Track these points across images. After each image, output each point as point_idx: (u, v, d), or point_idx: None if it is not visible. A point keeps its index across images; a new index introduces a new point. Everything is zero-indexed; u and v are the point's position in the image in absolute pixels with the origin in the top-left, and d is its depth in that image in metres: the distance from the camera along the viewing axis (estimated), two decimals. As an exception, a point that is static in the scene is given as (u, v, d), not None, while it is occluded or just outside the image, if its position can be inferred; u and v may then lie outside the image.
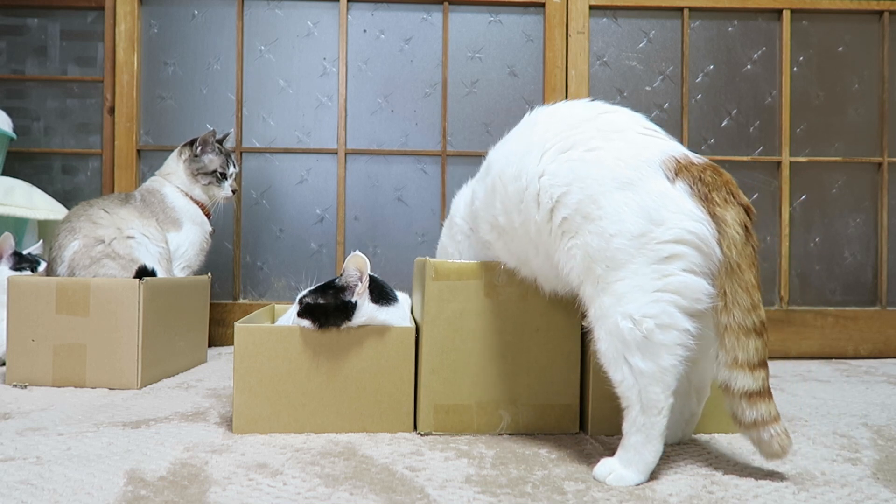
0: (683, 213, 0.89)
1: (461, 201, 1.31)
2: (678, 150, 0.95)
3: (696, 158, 0.95)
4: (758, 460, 1.02)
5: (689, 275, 0.89)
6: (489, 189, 1.10)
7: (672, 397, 0.91)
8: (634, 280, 0.90)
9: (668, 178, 0.91)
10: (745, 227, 0.91)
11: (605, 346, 0.93)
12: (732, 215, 0.90)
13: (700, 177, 0.91)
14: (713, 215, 0.89)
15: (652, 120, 1.02)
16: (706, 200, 0.90)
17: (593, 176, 0.94)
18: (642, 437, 0.92)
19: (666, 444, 0.95)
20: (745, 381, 0.90)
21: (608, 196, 0.92)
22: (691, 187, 0.90)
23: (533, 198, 0.99)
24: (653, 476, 0.93)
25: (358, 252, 1.14)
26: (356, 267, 1.12)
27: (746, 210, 0.92)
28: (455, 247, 1.29)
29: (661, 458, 0.94)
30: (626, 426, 0.93)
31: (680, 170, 0.91)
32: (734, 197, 0.92)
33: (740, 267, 0.89)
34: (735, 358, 0.90)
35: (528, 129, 1.07)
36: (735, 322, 0.89)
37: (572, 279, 0.97)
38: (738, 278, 0.89)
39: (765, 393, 0.91)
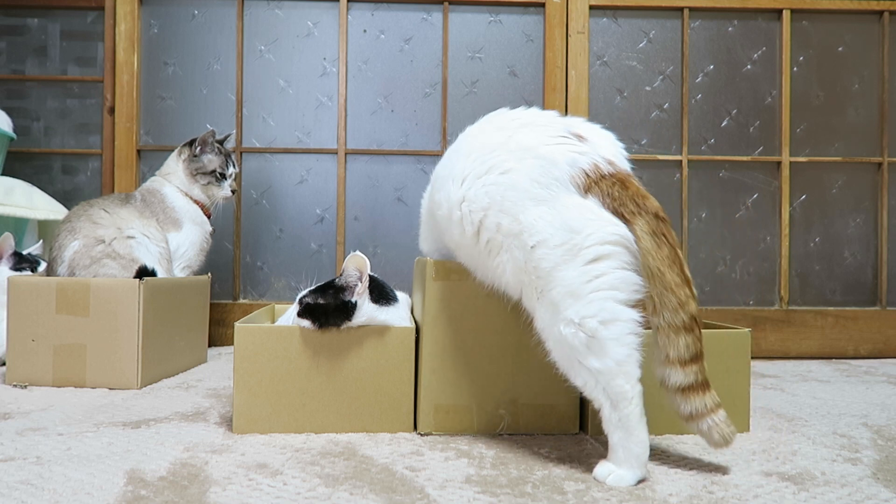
0: (603, 220, 0.93)
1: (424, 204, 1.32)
2: (586, 159, 0.97)
3: (605, 168, 0.97)
4: (758, 460, 1.03)
5: (622, 271, 0.92)
6: (428, 210, 1.18)
7: (639, 384, 0.93)
8: (565, 286, 0.92)
9: (579, 194, 0.95)
10: (655, 233, 0.94)
11: (557, 356, 0.96)
12: (641, 226, 0.93)
13: (609, 192, 0.95)
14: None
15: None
16: (616, 215, 0.94)
17: (509, 197, 0.98)
18: (623, 433, 0.93)
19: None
20: (677, 376, 0.93)
21: (525, 213, 0.96)
22: (601, 202, 0.95)
23: (458, 223, 1.04)
24: (653, 476, 0.93)
25: (357, 252, 1.14)
26: (356, 267, 1.12)
27: (656, 215, 0.95)
28: (428, 247, 1.29)
29: (661, 458, 0.94)
30: (604, 427, 0.95)
31: (589, 186, 0.95)
32: (640, 207, 0.95)
33: (660, 270, 0.92)
34: (667, 355, 0.93)
35: (453, 153, 1.11)
36: (665, 322, 0.92)
37: (511, 293, 1.01)
38: (660, 281, 0.92)
39: (698, 386, 0.93)
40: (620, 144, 1.05)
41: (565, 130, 1.01)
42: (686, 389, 0.93)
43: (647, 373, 1.17)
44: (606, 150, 1.00)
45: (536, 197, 0.96)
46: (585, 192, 0.95)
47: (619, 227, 0.93)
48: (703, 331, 1.19)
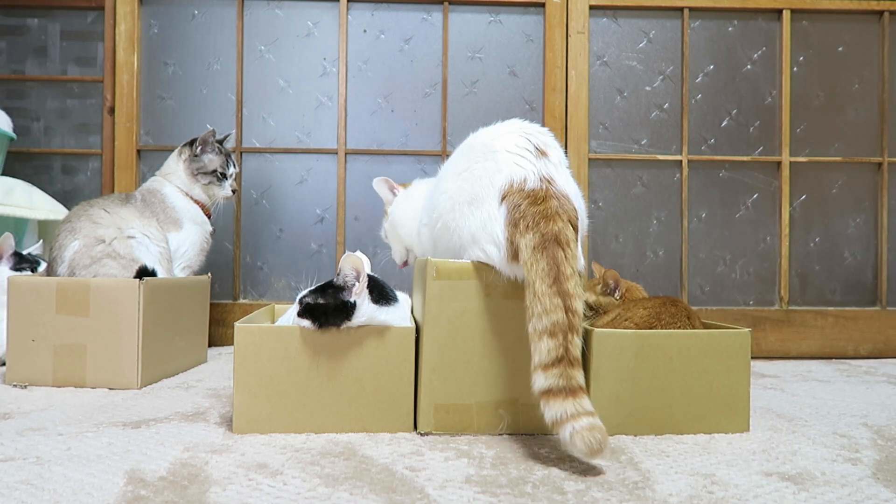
0: (492, 234, 1.08)
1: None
2: (520, 174, 1.09)
3: (531, 183, 1.08)
4: (758, 460, 1.03)
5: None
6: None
7: None
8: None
9: (498, 202, 1.09)
10: (537, 248, 1.03)
11: None
12: (527, 240, 1.04)
13: (518, 205, 1.06)
14: (512, 241, 1.06)
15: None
16: (514, 226, 1.06)
17: (454, 193, 1.17)
18: None
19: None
20: (539, 381, 0.96)
21: (459, 208, 1.15)
22: (508, 213, 1.07)
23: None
24: (653, 476, 0.93)
25: (357, 252, 1.14)
26: (352, 266, 1.12)
27: (550, 235, 1.03)
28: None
29: (661, 458, 0.94)
30: None
31: (506, 196, 1.08)
32: (536, 225, 1.04)
33: (532, 281, 1.01)
34: (534, 362, 0.97)
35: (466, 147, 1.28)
36: (532, 328, 0.99)
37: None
38: (531, 290, 1.01)
39: (560, 391, 0.94)
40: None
41: (531, 145, 1.13)
42: (547, 393, 0.94)
43: (647, 372, 1.17)
44: (552, 169, 1.11)
45: (471, 197, 1.13)
46: (501, 201, 1.08)
47: (492, 247, 1.09)
48: (702, 331, 1.20)
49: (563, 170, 1.14)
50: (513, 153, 1.11)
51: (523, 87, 2.20)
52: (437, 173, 1.39)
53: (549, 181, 1.08)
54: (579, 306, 1.00)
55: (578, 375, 0.96)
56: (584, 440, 0.90)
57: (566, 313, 0.98)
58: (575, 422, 0.92)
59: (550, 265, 1.01)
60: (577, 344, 0.98)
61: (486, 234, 1.09)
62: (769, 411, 1.36)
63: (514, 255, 1.06)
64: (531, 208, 1.05)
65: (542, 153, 1.11)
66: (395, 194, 1.61)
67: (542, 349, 0.96)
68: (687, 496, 0.87)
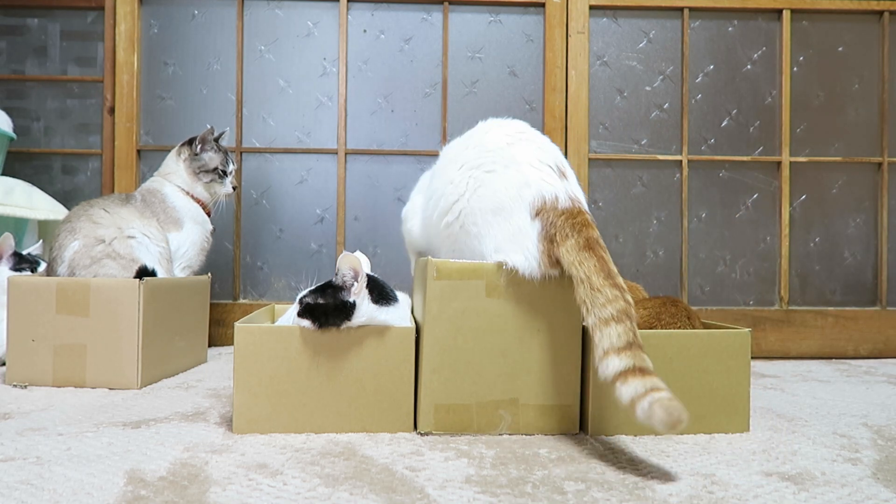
0: (521, 246, 1.12)
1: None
2: (551, 192, 1.13)
3: (562, 202, 1.12)
4: (758, 460, 1.03)
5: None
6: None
7: None
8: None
9: (530, 217, 1.13)
10: (583, 248, 1.08)
11: None
12: (570, 244, 1.08)
13: (553, 222, 1.11)
14: (550, 254, 1.10)
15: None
16: (550, 241, 1.10)
17: (469, 194, 1.20)
18: None
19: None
20: (613, 364, 0.97)
21: (483, 215, 1.18)
22: (543, 228, 1.11)
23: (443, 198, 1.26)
24: (653, 475, 0.93)
25: (354, 252, 1.14)
26: (350, 266, 1.12)
27: (589, 238, 1.09)
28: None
29: (661, 458, 0.94)
30: None
31: (540, 212, 1.12)
32: (575, 231, 1.10)
33: (586, 277, 1.05)
34: (602, 348, 1.00)
35: (459, 144, 1.31)
36: (594, 318, 1.02)
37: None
38: (586, 285, 1.05)
39: (637, 370, 0.96)
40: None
41: (550, 160, 1.18)
42: (622, 374, 0.96)
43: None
44: (576, 189, 1.17)
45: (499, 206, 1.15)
46: (535, 216, 1.12)
47: (520, 257, 1.12)
48: (702, 331, 1.21)
49: (579, 187, 1.21)
50: (536, 168, 1.15)
51: (523, 87, 2.20)
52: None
53: (576, 200, 1.15)
54: (631, 300, 1.05)
55: (648, 359, 0.98)
56: (665, 408, 0.90)
57: (625, 303, 1.02)
58: (655, 394, 0.92)
59: (600, 262, 1.06)
60: (638, 332, 1.01)
61: (515, 245, 1.13)
62: (769, 411, 1.36)
63: (553, 262, 1.10)
64: (567, 222, 1.10)
65: (562, 174, 1.17)
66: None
67: (612, 335, 0.99)
68: (687, 496, 0.87)
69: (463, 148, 1.26)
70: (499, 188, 1.15)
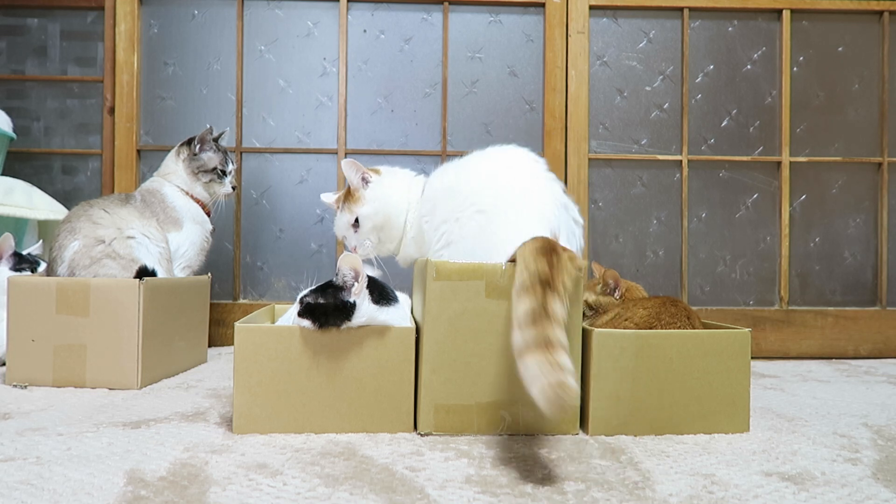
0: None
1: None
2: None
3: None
4: (758, 460, 1.03)
5: None
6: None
7: None
8: None
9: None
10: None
11: None
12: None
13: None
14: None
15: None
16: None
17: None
18: None
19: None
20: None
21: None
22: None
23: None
24: (653, 476, 0.93)
25: (352, 252, 1.14)
26: (350, 266, 1.12)
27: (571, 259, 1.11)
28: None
29: (661, 458, 0.94)
30: None
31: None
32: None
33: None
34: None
35: (472, 172, 1.39)
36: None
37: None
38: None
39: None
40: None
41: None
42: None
43: (647, 372, 1.17)
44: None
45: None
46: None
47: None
48: (702, 331, 1.20)
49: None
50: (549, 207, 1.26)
51: (523, 87, 2.20)
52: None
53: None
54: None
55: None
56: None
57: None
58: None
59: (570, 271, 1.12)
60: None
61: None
62: (769, 411, 1.36)
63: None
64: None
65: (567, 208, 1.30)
66: (367, 181, 1.53)
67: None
68: (687, 496, 0.87)
69: (467, 181, 1.35)
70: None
